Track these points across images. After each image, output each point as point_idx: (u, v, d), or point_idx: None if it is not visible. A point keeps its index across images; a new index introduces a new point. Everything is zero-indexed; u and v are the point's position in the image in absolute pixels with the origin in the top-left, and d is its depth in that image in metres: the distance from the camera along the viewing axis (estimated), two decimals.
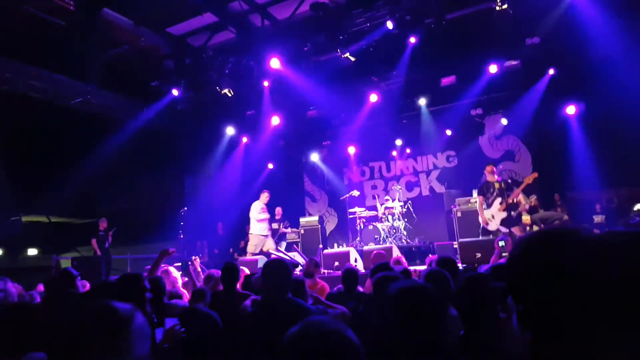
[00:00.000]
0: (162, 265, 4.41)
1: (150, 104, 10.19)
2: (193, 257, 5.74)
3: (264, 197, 9.68)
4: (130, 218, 10.80)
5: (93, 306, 1.26)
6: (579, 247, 0.82)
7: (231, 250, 10.54)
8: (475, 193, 7.96)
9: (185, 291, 4.57)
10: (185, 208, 9.78)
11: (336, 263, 8.09)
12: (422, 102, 10.63)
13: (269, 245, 9.45)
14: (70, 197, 10.67)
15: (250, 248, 9.43)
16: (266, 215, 9.58)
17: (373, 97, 10.41)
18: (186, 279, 5.40)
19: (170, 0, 8.32)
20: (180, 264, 6.13)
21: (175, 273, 4.97)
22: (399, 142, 11.80)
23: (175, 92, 9.85)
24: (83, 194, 10.96)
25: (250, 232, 9.57)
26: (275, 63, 9.05)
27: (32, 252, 11.17)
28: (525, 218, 9.04)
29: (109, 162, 9.86)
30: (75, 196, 10.81)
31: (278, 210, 10.68)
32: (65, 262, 10.52)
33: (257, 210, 9.51)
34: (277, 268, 2.68)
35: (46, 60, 8.72)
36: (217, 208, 11.30)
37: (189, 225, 10.01)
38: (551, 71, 9.46)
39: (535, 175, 7.33)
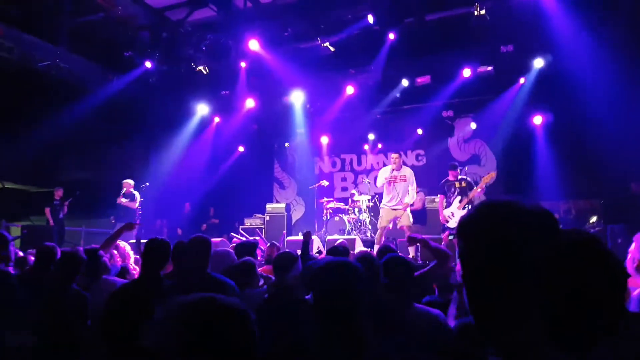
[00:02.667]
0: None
1: (122, 74, 9.92)
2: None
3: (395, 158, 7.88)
4: (89, 190, 10.47)
5: None
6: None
7: (179, 230, 10.38)
8: (439, 194, 8.13)
9: (137, 268, 4.49)
10: (147, 184, 9.51)
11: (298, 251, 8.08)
12: (405, 82, 10.43)
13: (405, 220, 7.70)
14: (28, 163, 10.28)
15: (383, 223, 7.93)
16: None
17: (350, 89, 10.47)
18: (138, 256, 5.20)
19: None
20: (134, 241, 5.93)
21: (128, 248, 4.85)
22: (371, 136, 11.95)
23: (148, 64, 9.61)
24: (42, 161, 10.57)
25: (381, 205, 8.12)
26: (254, 45, 8.97)
27: None
28: None
29: (72, 130, 9.52)
30: (33, 163, 10.42)
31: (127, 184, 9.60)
32: (15, 230, 10.13)
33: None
34: None
35: (17, 19, 8.36)
36: (182, 188, 11.10)
37: (150, 203, 9.78)
38: (522, 80, 9.74)
39: (493, 174, 7.53)
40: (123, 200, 9.29)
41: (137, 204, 9.33)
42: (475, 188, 7.56)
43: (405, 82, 10.24)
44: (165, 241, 3.07)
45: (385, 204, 7.88)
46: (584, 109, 8.35)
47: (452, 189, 7.74)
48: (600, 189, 9.17)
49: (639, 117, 8.39)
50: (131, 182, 9.46)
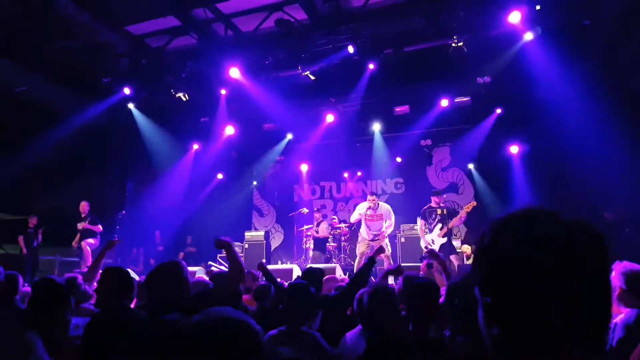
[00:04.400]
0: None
1: (99, 100, 9.80)
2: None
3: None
4: (64, 218, 10.14)
5: None
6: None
7: (152, 261, 10.04)
8: (419, 220, 8.16)
9: None
10: (124, 211, 9.25)
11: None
12: (376, 127, 10.93)
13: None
14: (0, 190, 9.93)
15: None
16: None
17: (330, 118, 10.57)
18: None
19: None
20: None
21: None
22: (350, 164, 12.01)
23: (127, 90, 9.52)
24: (15, 189, 10.22)
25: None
26: (234, 72, 9.00)
27: None
28: (466, 247, 9.36)
29: (47, 156, 9.29)
30: (6, 190, 10.06)
31: (83, 205, 9.21)
32: None
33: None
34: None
35: None
36: (159, 215, 10.86)
37: (126, 231, 9.51)
38: (498, 110, 9.99)
39: (474, 204, 7.60)
40: (81, 224, 8.77)
41: (99, 226, 8.80)
42: (455, 217, 7.61)
43: (376, 127, 10.75)
44: (124, 269, 2.87)
45: (364, 236, 8.21)
46: (559, 139, 8.58)
47: (434, 215, 7.79)
48: (576, 217, 9.30)
49: (611, 146, 8.66)
50: (85, 203, 8.99)
